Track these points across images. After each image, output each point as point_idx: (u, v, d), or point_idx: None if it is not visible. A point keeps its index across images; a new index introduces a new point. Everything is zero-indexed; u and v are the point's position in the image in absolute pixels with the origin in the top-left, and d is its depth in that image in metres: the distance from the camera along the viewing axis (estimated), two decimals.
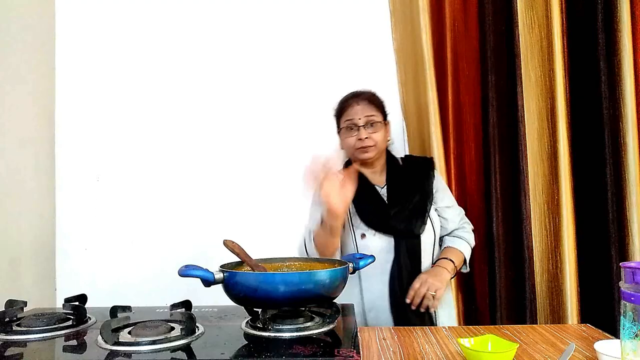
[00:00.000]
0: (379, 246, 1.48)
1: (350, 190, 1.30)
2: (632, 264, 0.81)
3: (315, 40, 2.07)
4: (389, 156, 1.62)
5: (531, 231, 1.85)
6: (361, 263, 1.16)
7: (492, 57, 1.90)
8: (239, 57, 2.08)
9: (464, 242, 1.58)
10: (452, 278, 1.52)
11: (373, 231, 1.50)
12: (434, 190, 1.58)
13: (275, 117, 2.06)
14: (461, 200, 1.91)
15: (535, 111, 1.89)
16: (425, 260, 1.52)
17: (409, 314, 1.42)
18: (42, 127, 2.03)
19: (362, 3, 2.07)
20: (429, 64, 1.90)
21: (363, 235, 1.50)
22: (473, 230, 1.66)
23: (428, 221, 1.53)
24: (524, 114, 1.87)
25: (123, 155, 2.09)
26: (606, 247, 1.81)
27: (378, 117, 1.53)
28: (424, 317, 1.44)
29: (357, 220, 1.52)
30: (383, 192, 1.56)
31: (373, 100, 1.56)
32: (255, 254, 1.18)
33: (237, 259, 1.17)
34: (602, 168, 1.83)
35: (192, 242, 2.02)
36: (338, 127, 1.60)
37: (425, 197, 1.55)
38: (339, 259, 1.23)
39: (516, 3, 1.87)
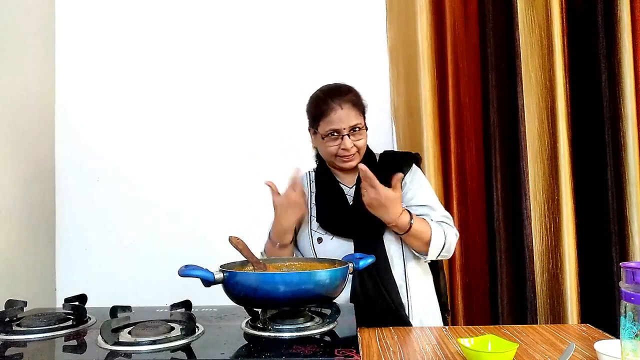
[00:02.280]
0: (337, 251, 1.33)
1: (298, 210, 1.33)
2: (632, 264, 0.81)
3: (310, 38, 2.08)
4: (366, 153, 1.45)
5: (531, 231, 1.85)
6: (361, 263, 1.16)
7: (492, 57, 1.90)
8: (236, 56, 2.09)
9: (437, 226, 1.36)
10: (403, 234, 1.32)
11: (330, 235, 1.39)
12: (403, 186, 1.40)
13: (271, 116, 2.07)
14: (461, 200, 1.92)
15: (535, 111, 1.89)
16: (396, 265, 1.37)
17: (371, 320, 1.27)
18: (43, 126, 2.04)
19: (359, 2, 2.08)
20: (424, 64, 1.90)
21: (320, 240, 1.39)
22: (457, 238, 1.43)
23: None
24: (524, 114, 1.87)
25: (123, 155, 2.09)
26: (606, 247, 1.81)
27: (362, 122, 1.39)
28: (390, 322, 1.30)
29: (315, 224, 1.42)
30: (350, 192, 1.44)
31: (357, 103, 1.40)
32: (255, 254, 1.17)
33: (237, 260, 1.17)
34: (602, 168, 1.83)
35: (192, 242, 2.02)
36: (314, 127, 1.43)
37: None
38: (339, 259, 1.22)
39: (516, 3, 1.88)
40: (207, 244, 1.85)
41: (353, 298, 1.33)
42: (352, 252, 1.35)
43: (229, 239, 1.13)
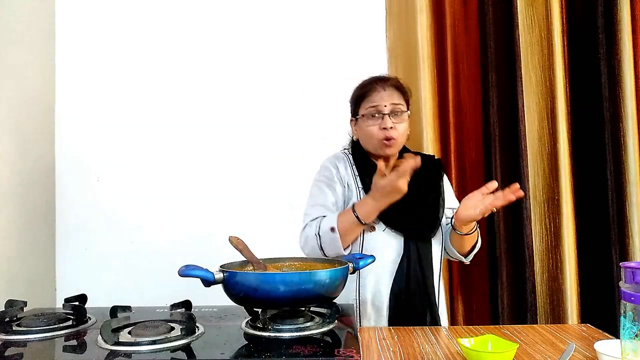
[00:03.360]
0: (386, 243, 1.37)
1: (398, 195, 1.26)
2: (632, 264, 0.81)
3: (311, 38, 2.08)
4: (403, 151, 1.47)
5: (531, 231, 1.85)
6: (361, 263, 1.16)
7: (492, 57, 1.90)
8: (236, 56, 2.09)
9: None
10: (467, 234, 1.37)
11: (383, 225, 1.38)
12: (444, 191, 1.48)
13: (271, 115, 2.07)
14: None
15: (535, 111, 1.89)
16: (435, 266, 1.40)
17: (408, 316, 1.33)
18: (43, 126, 2.03)
19: (358, 2, 2.08)
20: (424, 63, 1.90)
21: (372, 228, 1.38)
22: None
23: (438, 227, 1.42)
24: (524, 114, 1.87)
25: (123, 155, 2.09)
26: (606, 246, 1.81)
27: (404, 107, 1.41)
28: (424, 320, 1.36)
29: None
30: None
31: (399, 87, 1.43)
32: (255, 253, 1.18)
33: (237, 260, 1.17)
34: (602, 168, 1.83)
35: (192, 241, 2.02)
36: (355, 114, 1.45)
37: (438, 197, 1.45)
38: (339, 258, 1.23)
39: (516, 3, 1.87)
40: (207, 244, 1.85)
41: (396, 291, 1.35)
42: (401, 247, 1.37)
43: (229, 239, 1.13)
